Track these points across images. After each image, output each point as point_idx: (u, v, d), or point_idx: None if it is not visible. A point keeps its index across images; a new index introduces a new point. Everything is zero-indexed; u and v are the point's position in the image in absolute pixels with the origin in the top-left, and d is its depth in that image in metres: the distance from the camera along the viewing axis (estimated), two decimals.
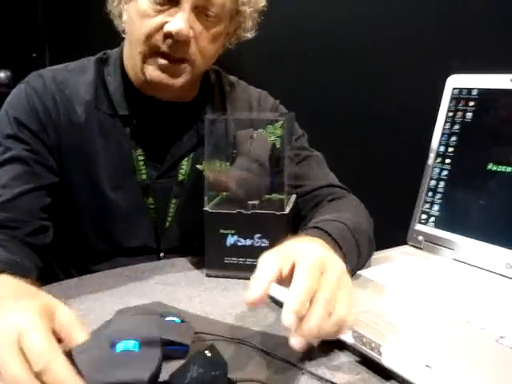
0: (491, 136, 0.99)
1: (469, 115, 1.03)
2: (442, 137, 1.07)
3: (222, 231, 0.95)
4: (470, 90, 1.04)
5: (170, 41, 0.94)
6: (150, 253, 1.07)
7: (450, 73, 1.08)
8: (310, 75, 1.80)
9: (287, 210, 0.96)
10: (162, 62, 0.96)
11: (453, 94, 1.07)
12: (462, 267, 0.98)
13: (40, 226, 0.95)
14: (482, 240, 0.96)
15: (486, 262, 0.95)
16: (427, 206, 1.07)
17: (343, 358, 0.68)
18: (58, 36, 2.65)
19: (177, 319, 0.71)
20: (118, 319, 0.71)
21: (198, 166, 1.05)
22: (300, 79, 1.81)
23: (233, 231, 0.94)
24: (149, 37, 0.95)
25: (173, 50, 0.95)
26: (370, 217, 1.03)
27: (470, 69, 1.04)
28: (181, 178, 1.08)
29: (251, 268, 0.86)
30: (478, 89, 1.03)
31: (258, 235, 0.94)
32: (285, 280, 0.63)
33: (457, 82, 1.07)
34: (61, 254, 1.09)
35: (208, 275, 0.97)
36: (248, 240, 0.94)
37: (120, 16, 1.04)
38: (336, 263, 0.67)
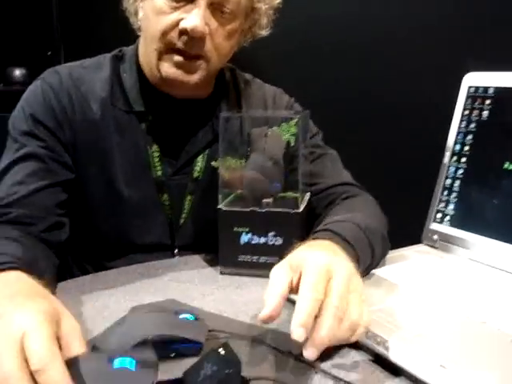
0: (507, 135, 0.98)
1: (485, 114, 1.03)
2: (457, 135, 1.06)
3: (236, 229, 0.95)
4: (486, 89, 1.03)
5: (185, 37, 0.94)
6: (164, 249, 1.08)
7: (466, 71, 1.07)
8: (325, 73, 1.79)
9: (301, 208, 0.95)
10: (178, 58, 0.96)
11: (469, 92, 1.06)
12: (477, 267, 0.97)
13: (55, 222, 0.95)
14: (498, 239, 0.95)
15: (501, 262, 0.94)
16: (442, 204, 1.06)
17: (357, 356, 0.68)
18: (73, 34, 2.66)
19: (191, 317, 0.71)
20: (132, 316, 0.71)
21: (212, 163, 1.05)
22: (315, 77, 1.80)
23: (247, 229, 0.94)
24: (164, 34, 0.95)
25: (188, 46, 0.95)
26: (383, 215, 1.03)
27: (487, 67, 1.04)
28: (196, 174, 1.08)
29: (265, 266, 0.86)
30: (495, 87, 1.02)
31: (272, 233, 0.94)
32: (296, 290, 0.64)
33: (473, 80, 1.06)
34: (76, 250, 1.10)
35: (222, 273, 0.97)
36: (262, 238, 0.94)
37: (136, 13, 1.04)
38: (343, 267, 0.67)
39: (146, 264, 1.01)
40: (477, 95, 1.05)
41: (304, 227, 0.96)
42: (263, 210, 0.94)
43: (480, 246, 0.98)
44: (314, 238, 0.81)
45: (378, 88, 1.70)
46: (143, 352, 0.58)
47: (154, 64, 0.99)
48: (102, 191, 1.03)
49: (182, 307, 0.78)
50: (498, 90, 1.01)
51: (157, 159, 1.05)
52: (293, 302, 0.62)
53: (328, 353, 0.66)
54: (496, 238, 0.96)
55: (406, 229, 1.01)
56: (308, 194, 1.05)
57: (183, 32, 0.94)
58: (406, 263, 0.98)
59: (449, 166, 1.07)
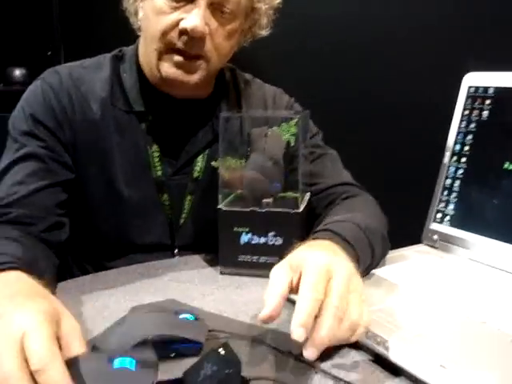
0: (507, 135, 0.98)
1: (485, 114, 1.03)
2: (457, 135, 1.06)
3: (236, 229, 0.95)
4: (486, 89, 1.03)
5: (185, 37, 0.94)
6: (164, 249, 1.08)
7: (466, 71, 1.07)
8: (325, 73, 1.79)
9: (301, 208, 0.95)
10: (178, 58, 0.96)
11: (469, 92, 1.06)
12: (477, 267, 0.97)
13: (55, 222, 0.95)
14: (498, 239, 0.95)
15: (501, 262, 0.94)
16: (442, 204, 1.06)
17: (357, 356, 0.68)
18: (73, 34, 2.65)
19: (191, 317, 0.71)
20: (132, 316, 0.71)
21: (212, 163, 1.05)
22: (315, 77, 1.80)
23: (247, 229, 0.94)
24: (164, 33, 0.95)
25: (188, 46, 0.95)
26: (383, 215, 1.03)
27: (487, 67, 1.04)
28: (196, 174, 1.08)
29: (265, 266, 0.86)
30: (495, 87, 1.02)
31: (272, 233, 0.94)
32: (296, 290, 0.64)
33: (473, 80, 1.06)
34: (76, 250, 1.10)
35: (222, 273, 0.97)
36: (262, 238, 0.94)
37: (136, 13, 1.04)
38: (343, 267, 0.67)
39: (146, 264, 1.01)
40: (477, 95, 1.05)
41: (304, 227, 0.96)
42: (263, 210, 0.94)
43: (480, 246, 0.98)
44: (313, 238, 0.81)
45: (378, 88, 1.70)
46: (143, 352, 0.58)
47: (153, 64, 0.99)
48: (101, 191, 1.03)
49: (181, 307, 0.78)
50: (498, 90, 1.01)
51: (157, 159, 1.05)
52: (293, 302, 0.62)
53: (328, 353, 0.66)
54: (496, 238, 0.96)
55: (406, 229, 1.01)
56: (308, 194, 1.05)
57: (183, 32, 0.94)
58: (406, 263, 0.98)
59: (449, 166, 1.07)
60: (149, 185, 1.05)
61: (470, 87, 1.06)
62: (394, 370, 0.64)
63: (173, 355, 0.66)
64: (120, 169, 1.03)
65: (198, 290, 0.89)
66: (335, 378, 0.63)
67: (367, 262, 0.86)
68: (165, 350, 0.66)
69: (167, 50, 0.97)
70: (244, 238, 0.94)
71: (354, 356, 0.68)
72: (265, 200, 0.96)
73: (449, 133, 1.08)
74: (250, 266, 0.95)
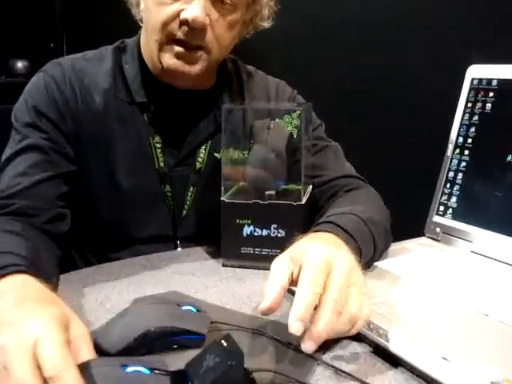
0: (511, 127, 0.98)
1: (488, 106, 1.02)
2: (460, 128, 1.06)
3: (238, 221, 0.95)
4: (489, 81, 1.03)
5: (186, 28, 0.94)
6: (166, 241, 1.08)
7: (469, 63, 1.07)
8: (327, 65, 1.79)
9: (304, 200, 0.95)
10: (179, 49, 0.96)
11: (472, 84, 1.06)
12: (479, 259, 0.97)
13: (57, 213, 0.95)
14: (501, 232, 0.95)
15: (504, 255, 0.94)
16: (445, 197, 1.06)
17: (359, 348, 0.68)
18: (75, 26, 2.65)
19: (193, 308, 0.71)
20: (134, 308, 0.71)
21: (216, 154, 1.05)
22: (317, 69, 1.80)
23: (249, 221, 0.94)
24: (165, 24, 0.95)
25: (189, 37, 0.95)
26: (386, 208, 1.02)
27: (490, 59, 1.03)
28: (198, 166, 1.08)
29: (267, 258, 0.86)
30: (498, 79, 1.01)
31: (275, 225, 0.94)
32: (296, 282, 0.64)
33: (476, 72, 1.05)
34: (79, 242, 1.10)
35: (224, 265, 0.97)
36: (264, 230, 0.94)
37: (137, 5, 1.04)
38: (343, 260, 0.67)
39: (148, 256, 1.01)
40: (480, 87, 1.04)
41: (306, 219, 0.96)
42: (266, 202, 0.94)
43: (482, 239, 0.98)
44: (315, 231, 0.81)
45: (381, 80, 1.70)
46: (155, 361, 0.58)
47: (155, 55, 0.99)
48: (104, 182, 1.03)
49: (184, 299, 0.78)
50: (502, 83, 1.01)
51: (159, 150, 1.05)
52: (295, 294, 0.62)
53: (328, 345, 0.66)
54: (498, 231, 0.96)
55: (409, 221, 1.01)
56: (310, 187, 1.05)
57: (184, 23, 0.94)
58: (409, 256, 0.98)
59: (452, 159, 1.06)
60: (151, 176, 1.05)
61: (473, 79, 1.06)
62: (396, 362, 0.64)
63: (175, 347, 0.67)
64: (122, 160, 1.03)
65: (200, 282, 0.89)
66: (336, 369, 0.63)
67: (369, 254, 0.86)
68: (167, 342, 0.66)
69: (168, 40, 0.97)
70: (246, 230, 0.94)
71: (356, 348, 0.68)
72: (267, 192, 0.96)
73: (452, 125, 1.08)
74: (252, 258, 0.95)
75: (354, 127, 1.70)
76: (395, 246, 1.01)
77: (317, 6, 1.78)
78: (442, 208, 1.07)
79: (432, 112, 1.53)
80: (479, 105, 1.04)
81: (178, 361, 0.60)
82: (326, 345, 0.65)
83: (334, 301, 0.61)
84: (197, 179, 1.08)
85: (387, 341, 0.65)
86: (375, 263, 0.91)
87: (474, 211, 1.01)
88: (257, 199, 0.94)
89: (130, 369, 0.55)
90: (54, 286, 0.74)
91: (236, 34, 1.03)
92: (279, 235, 0.94)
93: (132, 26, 1.09)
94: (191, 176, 1.08)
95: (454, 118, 1.07)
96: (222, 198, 0.96)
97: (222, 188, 0.97)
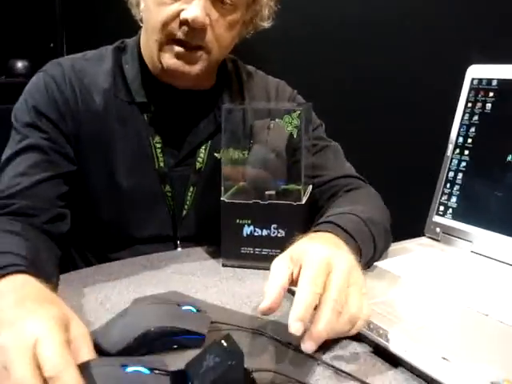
0: (511, 127, 0.98)
1: (488, 106, 1.02)
2: (460, 128, 1.06)
3: (238, 221, 0.95)
4: (489, 81, 1.03)
5: (186, 28, 0.94)
6: (166, 241, 1.08)
7: (469, 63, 1.07)
8: (327, 64, 1.79)
9: (304, 200, 0.95)
10: (178, 49, 0.96)
11: (472, 84, 1.06)
12: (479, 259, 0.97)
13: (57, 213, 0.95)
14: (501, 232, 0.95)
15: (504, 255, 0.94)
16: (445, 197, 1.06)
17: (359, 348, 0.68)
18: (76, 26, 2.65)
19: (193, 308, 0.71)
20: (134, 308, 0.71)
21: (216, 154, 1.05)
22: (318, 69, 1.80)
23: (249, 221, 0.94)
24: (165, 24, 0.95)
25: (189, 37, 0.95)
26: (386, 208, 1.02)
27: (490, 59, 1.03)
28: (198, 166, 1.08)
29: (268, 258, 0.86)
30: (498, 79, 1.01)
31: (275, 225, 0.94)
32: (296, 282, 0.64)
33: (476, 72, 1.05)
34: (79, 242, 1.10)
35: (224, 265, 0.97)
36: (264, 230, 0.94)
37: (137, 5, 1.04)
38: (343, 260, 0.67)
39: (148, 256, 1.01)
40: (480, 87, 1.04)
41: (306, 219, 0.96)
42: (266, 202, 0.94)
43: (482, 239, 0.98)
44: (315, 231, 0.81)
45: (380, 80, 1.70)
46: (154, 361, 0.58)
47: (155, 55, 0.99)
48: (104, 183, 1.03)
49: (184, 299, 0.78)
50: (502, 83, 1.01)
51: (159, 150, 1.05)
52: (295, 294, 0.62)
53: (328, 345, 0.66)
54: (499, 231, 0.96)
55: (409, 221, 1.01)
56: (310, 187, 1.05)
57: (184, 23, 0.94)
58: (409, 256, 0.98)
59: (452, 159, 1.06)
60: (151, 176, 1.05)
61: (473, 79, 1.06)
62: (396, 362, 0.64)
63: (175, 347, 0.67)
64: (122, 160, 1.03)
65: (200, 282, 0.89)
66: (336, 369, 0.63)
67: (369, 254, 0.86)
68: (167, 342, 0.66)
69: (168, 40, 0.97)
70: (246, 230, 0.94)
71: (356, 348, 0.68)
72: (267, 192, 0.96)
73: (452, 125, 1.08)
74: (252, 258, 0.95)
75: (354, 127, 1.70)
76: (395, 246, 1.01)
77: (317, 5, 1.78)
78: (442, 208, 1.07)
79: (432, 112, 1.53)
80: (479, 105, 1.04)
81: (178, 361, 0.60)
82: (326, 345, 0.65)
83: (334, 301, 0.61)
84: (197, 179, 1.08)
85: (387, 341, 0.65)
86: (375, 263, 0.91)
87: (474, 211, 1.01)
88: (257, 199, 0.94)
89: (130, 369, 0.55)
90: (53, 286, 0.74)
91: (236, 33, 1.03)
92: (279, 235, 0.94)
93: (132, 26, 1.09)
94: (191, 176, 1.08)
95: (454, 117, 1.07)
96: (222, 198, 0.96)
97: (222, 188, 0.97)
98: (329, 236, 0.77)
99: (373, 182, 1.11)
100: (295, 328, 0.58)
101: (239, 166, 1.00)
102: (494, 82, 1.02)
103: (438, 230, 1.06)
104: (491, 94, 1.02)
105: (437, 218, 1.07)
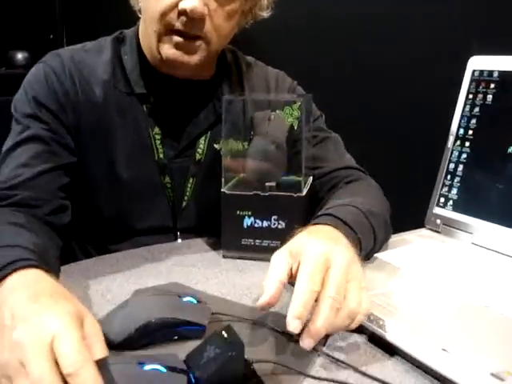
0: None
1: (489, 97, 1.02)
2: (461, 119, 1.06)
3: (238, 213, 0.95)
4: (490, 72, 1.02)
5: (184, 18, 0.93)
6: (166, 232, 1.08)
7: (470, 54, 1.06)
8: (327, 56, 1.78)
9: (304, 191, 0.95)
10: (177, 39, 0.96)
11: (473, 75, 1.05)
12: (480, 251, 0.97)
13: (59, 205, 0.95)
14: (501, 224, 0.95)
15: (504, 247, 0.94)
16: (446, 189, 1.06)
17: (359, 339, 0.68)
18: (75, 17, 2.64)
19: (194, 300, 0.71)
20: (135, 299, 0.71)
21: (215, 145, 1.04)
22: (317, 60, 1.79)
23: (250, 213, 0.94)
24: (163, 15, 0.94)
25: (188, 27, 0.94)
26: (386, 200, 1.02)
27: (491, 50, 1.03)
28: (198, 157, 1.08)
29: (268, 249, 0.87)
30: (499, 71, 1.01)
31: (275, 217, 0.94)
32: (295, 277, 0.65)
33: (477, 63, 1.05)
34: (79, 234, 1.10)
35: (224, 256, 0.97)
36: (265, 221, 0.94)
37: None
38: (341, 256, 0.67)
39: (149, 247, 1.01)
40: (481, 79, 1.04)
41: (307, 211, 0.96)
42: (266, 194, 0.94)
43: (483, 231, 0.98)
44: (315, 223, 0.81)
45: (381, 72, 1.69)
46: (171, 359, 0.58)
47: (154, 46, 0.99)
48: (103, 174, 1.03)
49: (185, 290, 0.78)
50: (503, 74, 1.01)
51: (158, 141, 1.05)
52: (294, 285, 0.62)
53: (330, 335, 0.66)
54: (499, 223, 0.96)
55: (409, 213, 1.01)
56: (311, 178, 1.05)
57: (182, 13, 0.93)
58: (409, 247, 0.98)
59: (452, 150, 1.06)
60: (151, 167, 1.05)
61: (474, 71, 1.05)
62: (396, 353, 0.64)
63: (176, 338, 0.67)
64: (122, 151, 1.03)
65: (200, 273, 0.90)
66: (337, 360, 0.63)
67: (369, 246, 0.86)
68: (168, 333, 0.66)
69: (166, 31, 0.96)
70: (247, 222, 0.95)
71: (356, 339, 0.68)
72: (268, 183, 0.96)
73: (453, 117, 1.07)
74: (252, 249, 0.95)
75: (354, 118, 1.70)
76: (395, 238, 1.01)
77: None
78: (442, 199, 1.07)
79: (433, 103, 1.53)
80: (480, 96, 1.03)
81: (178, 352, 0.60)
82: (326, 336, 0.65)
83: (332, 298, 0.61)
84: (196, 170, 1.08)
85: (387, 332, 0.65)
86: (375, 255, 0.91)
87: (474, 203, 1.01)
88: (257, 191, 0.94)
89: (147, 367, 0.55)
90: (56, 278, 0.74)
91: (235, 23, 1.03)
92: (279, 227, 0.94)
93: (131, 17, 1.09)
94: (191, 167, 1.08)
95: (454, 109, 1.07)
96: (222, 190, 0.96)
97: (223, 179, 0.97)
98: (328, 229, 0.77)
99: (373, 173, 1.11)
100: (293, 326, 0.59)
101: (240, 157, 1.00)
102: (495, 74, 1.02)
103: (438, 221, 1.06)
104: (492, 86, 1.02)
105: (437, 210, 1.07)
